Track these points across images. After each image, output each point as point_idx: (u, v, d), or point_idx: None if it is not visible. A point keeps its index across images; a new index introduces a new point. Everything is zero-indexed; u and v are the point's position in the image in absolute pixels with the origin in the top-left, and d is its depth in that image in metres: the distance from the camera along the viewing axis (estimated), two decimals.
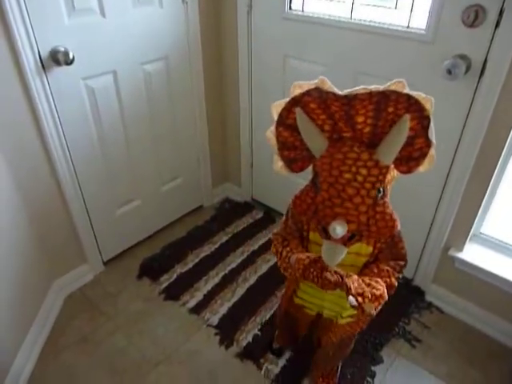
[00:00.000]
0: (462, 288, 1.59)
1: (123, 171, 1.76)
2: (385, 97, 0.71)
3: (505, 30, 1.15)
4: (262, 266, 1.83)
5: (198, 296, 1.69)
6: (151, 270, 1.83)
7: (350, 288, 0.84)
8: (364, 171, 0.73)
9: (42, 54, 1.33)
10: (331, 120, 0.78)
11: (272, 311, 1.62)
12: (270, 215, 2.16)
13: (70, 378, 1.43)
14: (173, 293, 1.72)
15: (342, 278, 0.87)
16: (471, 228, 1.49)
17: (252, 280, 1.76)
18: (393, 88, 0.70)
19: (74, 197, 1.60)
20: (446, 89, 1.31)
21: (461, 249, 1.53)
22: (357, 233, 0.76)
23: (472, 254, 1.53)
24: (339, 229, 0.74)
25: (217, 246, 1.95)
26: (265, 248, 1.93)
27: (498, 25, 1.16)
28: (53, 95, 1.40)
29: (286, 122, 0.84)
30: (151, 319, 1.63)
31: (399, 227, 0.88)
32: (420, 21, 1.32)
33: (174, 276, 1.79)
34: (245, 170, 2.18)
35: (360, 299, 0.83)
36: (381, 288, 0.87)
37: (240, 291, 1.71)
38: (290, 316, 1.26)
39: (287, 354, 1.46)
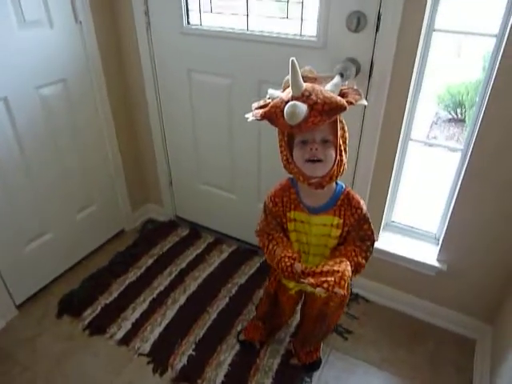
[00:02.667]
0: (382, 275, 1.68)
1: (28, 204, 1.62)
2: (325, 80, 0.98)
3: (384, 33, 1.25)
4: (191, 285, 1.78)
5: (126, 325, 1.60)
6: (71, 305, 1.70)
7: (312, 283, 0.98)
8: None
9: None
10: None
11: (205, 328, 1.59)
12: (196, 231, 2.12)
13: None
14: (98, 326, 1.61)
15: (305, 273, 1.01)
16: (382, 218, 1.59)
17: (182, 300, 1.70)
18: (328, 78, 0.98)
19: None
20: None
21: (376, 238, 1.62)
22: (311, 92, 0.89)
23: (386, 241, 1.63)
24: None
25: (142, 270, 1.87)
26: (193, 265, 1.89)
27: (378, 29, 1.26)
28: None
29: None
30: (76, 359, 1.51)
31: (365, 210, 1.08)
32: (311, 28, 1.39)
33: (98, 308, 1.68)
34: (164, 188, 2.13)
35: (326, 285, 0.96)
36: (340, 269, 0.99)
37: (170, 314, 1.65)
38: (277, 302, 1.36)
39: (224, 370, 1.44)
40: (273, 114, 0.93)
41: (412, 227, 1.67)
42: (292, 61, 0.86)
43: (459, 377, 1.45)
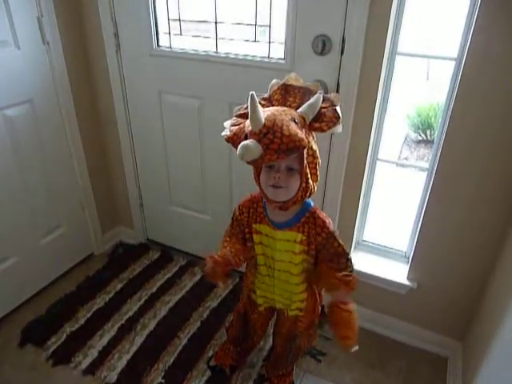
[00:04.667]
0: (354, 294, 1.66)
1: None
2: (308, 90, 0.98)
3: (348, 55, 1.29)
4: (162, 309, 1.73)
5: (93, 354, 1.54)
6: (35, 334, 1.62)
7: None
8: (288, 110, 0.93)
9: None
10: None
11: (176, 354, 1.53)
12: (167, 254, 2.08)
13: None
14: (63, 355, 1.53)
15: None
16: (353, 237, 1.60)
17: (151, 326, 1.65)
18: (313, 87, 0.99)
19: None
20: None
21: None
22: (269, 130, 0.86)
23: (357, 261, 1.62)
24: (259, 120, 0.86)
25: (111, 295, 1.80)
26: (164, 289, 1.85)
27: (342, 52, 1.30)
28: None
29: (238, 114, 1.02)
30: None
31: (332, 228, 1.07)
32: (279, 51, 1.42)
33: (64, 336, 1.61)
34: (135, 210, 2.09)
35: None
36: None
37: (139, 340, 1.59)
38: (247, 321, 1.35)
39: None
40: (235, 142, 0.93)
41: (383, 246, 1.68)
42: (251, 95, 0.85)
43: None
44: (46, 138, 1.70)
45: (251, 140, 0.87)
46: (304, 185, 0.96)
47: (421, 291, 1.52)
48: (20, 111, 1.58)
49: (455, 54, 1.24)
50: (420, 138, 4.18)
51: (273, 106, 0.97)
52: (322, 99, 0.94)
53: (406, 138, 4.22)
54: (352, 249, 1.64)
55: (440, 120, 1.36)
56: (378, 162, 1.53)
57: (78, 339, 1.60)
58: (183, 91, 1.65)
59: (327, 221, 1.08)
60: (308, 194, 1.00)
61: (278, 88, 1.00)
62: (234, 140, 0.94)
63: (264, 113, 0.90)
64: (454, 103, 1.21)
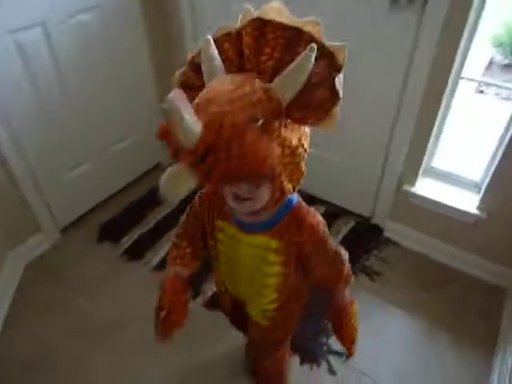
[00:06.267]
0: (416, 221, 1.65)
1: (67, 134, 1.67)
2: (299, 34, 0.60)
3: None
4: None
5: (162, 253, 1.68)
6: (111, 232, 1.79)
7: None
8: (248, 88, 0.59)
9: None
10: (241, 58, 0.65)
11: None
12: None
13: (39, 344, 1.41)
14: (135, 253, 1.70)
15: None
16: (422, 162, 1.53)
17: None
18: (309, 28, 0.60)
19: (17, 164, 1.51)
20: (391, 20, 1.28)
21: (414, 184, 1.57)
22: (210, 148, 0.55)
23: (424, 187, 1.58)
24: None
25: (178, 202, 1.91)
26: None
27: None
28: None
29: (194, 61, 0.69)
30: (115, 281, 1.61)
31: (322, 231, 0.80)
32: None
33: (136, 236, 1.76)
34: None
35: None
36: None
37: None
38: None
39: None
40: (169, 143, 0.59)
41: (452, 174, 1.60)
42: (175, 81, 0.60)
43: (486, 322, 1.45)
44: (115, 39, 1.71)
45: (182, 166, 0.56)
46: (278, 193, 0.68)
47: (490, 222, 1.46)
48: (92, 16, 1.59)
49: None
50: (506, 62, 3.73)
51: (241, 50, 0.64)
52: (313, 61, 0.57)
53: (490, 62, 3.78)
54: (419, 174, 1.57)
55: None
56: (460, 81, 1.40)
57: (148, 239, 1.75)
58: None
59: (316, 223, 0.79)
60: (284, 199, 0.72)
61: (251, 23, 0.62)
62: (167, 139, 0.58)
63: (204, 94, 0.60)
64: None
